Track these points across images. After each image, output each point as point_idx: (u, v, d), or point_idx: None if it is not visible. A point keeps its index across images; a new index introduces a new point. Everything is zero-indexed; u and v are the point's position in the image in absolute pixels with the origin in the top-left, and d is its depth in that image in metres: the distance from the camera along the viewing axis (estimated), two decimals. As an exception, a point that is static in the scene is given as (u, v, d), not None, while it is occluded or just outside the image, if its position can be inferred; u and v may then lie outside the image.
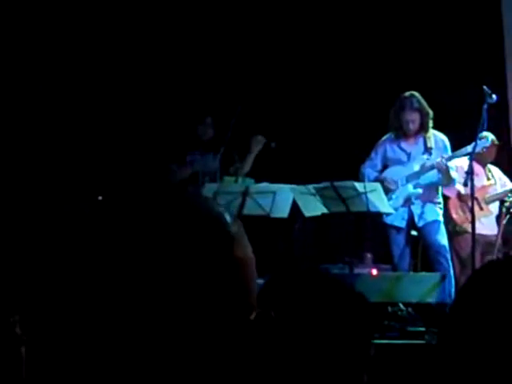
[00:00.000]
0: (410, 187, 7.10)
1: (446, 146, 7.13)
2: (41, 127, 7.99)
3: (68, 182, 7.61)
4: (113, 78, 8.53)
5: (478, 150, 6.75)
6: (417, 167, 7.09)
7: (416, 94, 7.06)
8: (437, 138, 7.16)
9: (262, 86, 8.59)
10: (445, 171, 6.94)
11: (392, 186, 7.06)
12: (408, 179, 7.09)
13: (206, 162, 7.47)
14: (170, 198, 1.20)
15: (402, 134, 7.14)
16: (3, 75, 7.85)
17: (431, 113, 7.07)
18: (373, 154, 7.30)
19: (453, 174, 7.03)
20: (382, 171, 7.25)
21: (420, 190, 7.08)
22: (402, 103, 7.04)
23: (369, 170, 7.27)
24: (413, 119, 7.04)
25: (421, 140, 7.16)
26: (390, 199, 6.97)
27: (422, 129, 7.09)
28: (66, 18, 8.29)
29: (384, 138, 7.30)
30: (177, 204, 1.19)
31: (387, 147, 7.26)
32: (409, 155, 7.17)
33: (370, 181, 7.11)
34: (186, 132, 7.63)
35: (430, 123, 7.10)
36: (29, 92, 8.05)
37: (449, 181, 7.05)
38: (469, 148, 6.80)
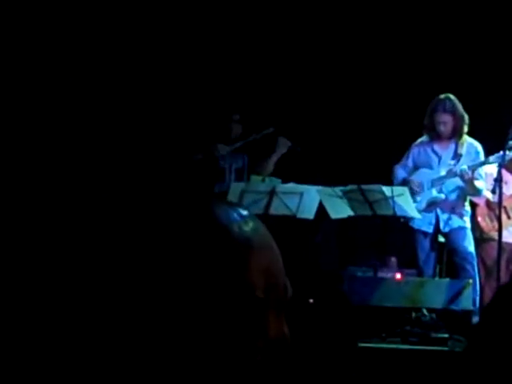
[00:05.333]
0: (433, 191, 7.05)
1: (478, 154, 7.04)
2: (58, 120, 8.02)
3: (88, 176, 7.63)
4: (139, 72, 8.55)
5: (505, 161, 6.71)
6: (443, 172, 7.04)
7: (452, 96, 7.00)
8: (470, 145, 7.08)
9: (289, 85, 8.58)
10: (468, 181, 6.87)
11: (417, 189, 7.02)
12: (433, 183, 7.05)
13: (233, 159, 7.48)
14: (177, 204, 1.07)
15: (435, 136, 7.10)
16: (7, 76, 7.86)
17: (466, 117, 7.00)
18: (406, 155, 7.28)
19: (478, 184, 6.94)
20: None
21: (443, 196, 7.03)
22: (435, 104, 7.00)
23: (400, 171, 7.25)
24: (445, 121, 6.99)
25: (452, 145, 7.10)
26: (414, 202, 6.94)
27: (455, 133, 7.03)
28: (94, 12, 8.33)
29: (419, 139, 7.26)
30: (181, 210, 1.06)
31: (420, 150, 7.22)
32: (440, 158, 7.13)
33: (398, 180, 7.13)
34: (214, 127, 7.62)
35: (465, 128, 7.03)
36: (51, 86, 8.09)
37: (474, 191, 6.97)
38: (491, 158, 6.77)
